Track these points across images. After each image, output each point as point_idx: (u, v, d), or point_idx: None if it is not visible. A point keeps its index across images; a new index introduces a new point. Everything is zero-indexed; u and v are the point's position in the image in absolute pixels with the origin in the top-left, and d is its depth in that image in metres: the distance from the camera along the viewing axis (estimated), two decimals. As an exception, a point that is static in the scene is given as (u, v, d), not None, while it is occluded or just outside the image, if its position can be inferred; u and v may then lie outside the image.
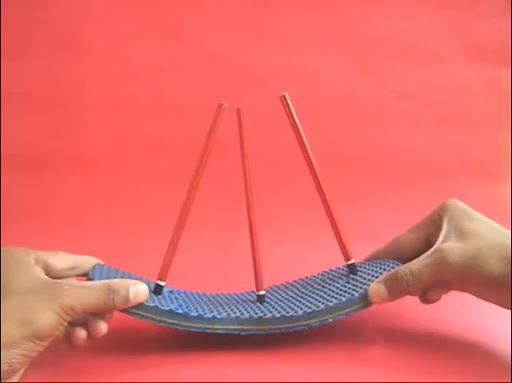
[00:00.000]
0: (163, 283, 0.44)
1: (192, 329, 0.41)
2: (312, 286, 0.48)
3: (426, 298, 0.43)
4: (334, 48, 0.92)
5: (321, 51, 0.91)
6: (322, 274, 0.51)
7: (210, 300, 0.47)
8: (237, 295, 0.49)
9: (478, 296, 0.42)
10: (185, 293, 0.48)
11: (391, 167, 0.86)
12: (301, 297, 0.46)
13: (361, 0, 0.93)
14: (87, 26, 0.85)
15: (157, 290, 0.44)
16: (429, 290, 0.42)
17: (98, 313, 0.38)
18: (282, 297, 0.47)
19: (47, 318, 0.33)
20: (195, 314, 0.41)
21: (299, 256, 0.63)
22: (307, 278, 0.51)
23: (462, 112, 0.92)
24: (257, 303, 0.46)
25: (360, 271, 0.47)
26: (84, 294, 0.35)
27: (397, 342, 0.43)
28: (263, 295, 0.46)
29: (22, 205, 0.71)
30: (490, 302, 0.41)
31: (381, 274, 0.44)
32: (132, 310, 0.39)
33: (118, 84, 0.84)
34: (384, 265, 0.46)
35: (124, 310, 0.39)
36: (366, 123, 0.90)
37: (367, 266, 0.48)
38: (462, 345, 0.42)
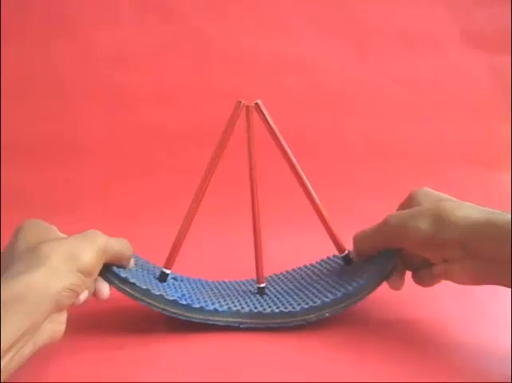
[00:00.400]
0: (168, 271, 0.45)
1: (193, 320, 0.42)
2: (310, 277, 0.49)
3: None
4: (333, 35, 0.91)
5: (321, 38, 0.90)
6: (320, 264, 0.51)
7: (212, 290, 0.47)
8: (238, 285, 0.50)
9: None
10: (188, 280, 0.49)
11: (390, 154, 0.86)
12: (299, 290, 0.46)
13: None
14: (83, 12, 0.84)
15: (162, 277, 0.45)
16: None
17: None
18: (281, 289, 0.48)
19: (90, 255, 0.36)
20: (198, 306, 0.42)
21: (299, 244, 0.63)
22: (305, 267, 0.52)
23: (461, 100, 0.92)
24: (257, 296, 0.47)
25: (357, 264, 0.47)
26: (112, 241, 0.40)
27: (392, 340, 0.42)
28: (263, 288, 0.47)
29: (21, 192, 0.71)
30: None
31: (375, 263, 0.44)
32: (139, 296, 0.40)
33: (115, 71, 0.84)
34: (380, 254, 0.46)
35: (130, 295, 0.40)
36: (365, 110, 0.90)
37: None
38: (462, 345, 0.42)
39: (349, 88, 0.89)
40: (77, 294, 0.36)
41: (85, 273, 0.36)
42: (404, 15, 0.94)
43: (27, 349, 0.32)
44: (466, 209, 0.40)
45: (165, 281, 0.45)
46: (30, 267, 0.34)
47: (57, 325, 0.35)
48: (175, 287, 0.45)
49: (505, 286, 0.38)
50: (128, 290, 0.40)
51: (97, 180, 0.77)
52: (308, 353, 0.41)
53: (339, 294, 0.43)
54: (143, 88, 0.84)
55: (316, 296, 0.44)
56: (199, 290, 0.47)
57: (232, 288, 0.48)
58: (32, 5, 0.82)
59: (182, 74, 0.85)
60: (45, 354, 0.36)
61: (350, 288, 0.43)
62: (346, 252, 0.47)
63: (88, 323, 0.43)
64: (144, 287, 0.41)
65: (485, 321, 0.45)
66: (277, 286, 0.49)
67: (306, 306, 0.43)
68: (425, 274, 0.43)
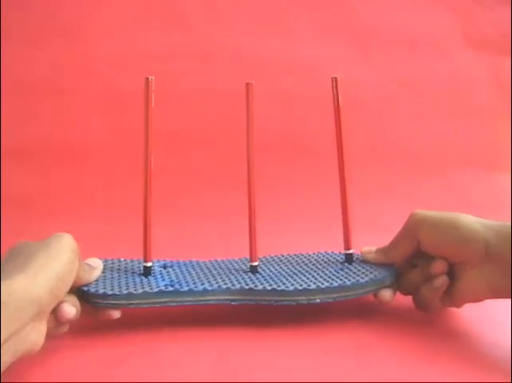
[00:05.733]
0: (149, 264, 0.45)
1: (186, 303, 0.42)
2: (306, 264, 0.49)
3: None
4: (336, 36, 0.91)
5: (323, 39, 0.90)
6: (318, 255, 0.52)
7: (202, 270, 0.47)
8: (230, 263, 0.50)
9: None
10: (178, 264, 0.49)
11: (391, 156, 0.85)
12: (294, 273, 0.46)
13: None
14: (87, 14, 0.84)
15: (146, 271, 0.45)
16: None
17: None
18: (275, 270, 0.48)
19: (62, 259, 0.36)
20: (186, 289, 0.42)
21: (296, 239, 0.63)
22: (302, 255, 0.52)
23: (463, 102, 0.92)
24: (250, 274, 0.46)
25: (355, 263, 0.48)
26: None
27: (394, 341, 0.43)
28: (256, 266, 0.47)
29: (22, 195, 0.71)
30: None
31: (376, 270, 0.45)
32: (125, 303, 0.41)
33: (116, 73, 0.84)
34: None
35: (116, 306, 0.41)
36: (368, 112, 0.89)
37: (362, 262, 0.49)
38: (462, 345, 0.42)
39: (352, 90, 0.89)
40: (58, 299, 0.36)
41: (63, 277, 0.36)
42: (407, 17, 0.94)
43: (8, 356, 0.32)
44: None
45: (149, 274, 0.45)
46: (10, 274, 0.34)
47: (37, 335, 0.34)
48: (162, 276, 0.45)
49: None
50: (113, 302, 0.40)
51: (98, 183, 0.77)
52: (313, 354, 0.41)
53: (335, 284, 0.43)
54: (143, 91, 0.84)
55: (310, 281, 0.44)
56: (189, 272, 0.47)
57: (224, 267, 0.49)
58: (32, 7, 0.82)
59: (184, 76, 0.85)
60: (46, 354, 0.36)
61: (348, 282, 0.43)
62: (351, 251, 0.48)
63: (89, 323, 0.43)
64: (126, 292, 0.41)
65: (485, 321, 0.45)
66: (271, 267, 0.49)
67: (300, 288, 0.43)
68: (426, 289, 0.43)
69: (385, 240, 0.48)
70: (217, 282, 0.44)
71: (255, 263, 0.47)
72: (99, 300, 0.40)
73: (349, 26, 0.92)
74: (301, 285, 0.43)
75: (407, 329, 0.44)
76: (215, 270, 0.47)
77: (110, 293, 0.40)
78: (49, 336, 0.36)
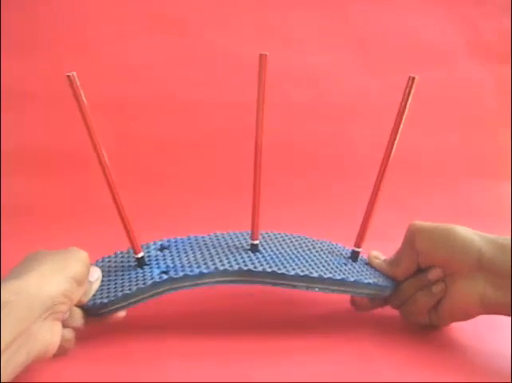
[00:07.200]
0: (140, 255, 0.44)
1: (184, 289, 0.41)
2: (309, 249, 0.48)
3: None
4: (341, 46, 0.91)
5: (328, 50, 0.90)
6: (322, 243, 0.50)
7: (200, 249, 0.45)
8: (231, 238, 0.48)
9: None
10: (175, 243, 0.47)
11: (393, 164, 0.85)
12: (296, 257, 0.45)
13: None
14: (90, 23, 0.83)
15: (139, 262, 0.44)
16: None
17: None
18: (277, 250, 0.46)
19: (80, 264, 0.37)
20: (181, 275, 0.41)
21: (301, 224, 0.63)
22: (306, 239, 0.50)
23: (469, 112, 0.92)
24: (249, 252, 0.45)
25: (359, 263, 0.48)
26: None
27: (398, 353, 0.43)
28: (257, 245, 0.45)
29: (24, 204, 0.71)
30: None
31: (380, 277, 0.45)
32: (125, 304, 0.40)
33: (120, 81, 0.84)
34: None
35: (117, 309, 0.40)
36: (371, 122, 0.89)
37: (366, 264, 0.48)
38: (462, 345, 0.42)
39: (357, 99, 0.89)
40: (71, 302, 0.36)
41: (78, 281, 0.37)
42: (412, 27, 0.93)
43: (21, 356, 0.32)
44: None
45: (144, 264, 0.44)
46: (22, 274, 0.34)
47: (51, 335, 0.34)
48: (157, 262, 0.44)
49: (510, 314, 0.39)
50: (112, 307, 0.40)
51: (100, 191, 0.77)
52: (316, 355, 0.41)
53: (337, 277, 0.43)
54: (149, 99, 0.85)
55: (313, 268, 0.43)
56: (186, 253, 0.45)
57: (223, 243, 0.47)
58: (37, 15, 0.81)
59: (189, 86, 0.86)
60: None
61: (351, 278, 0.43)
62: (360, 249, 0.47)
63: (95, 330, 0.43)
64: (121, 294, 0.40)
65: (485, 322, 0.45)
66: (272, 246, 0.47)
67: (301, 274, 0.42)
68: (422, 295, 0.43)
69: (384, 249, 0.48)
70: (214, 264, 0.42)
71: (256, 242, 0.45)
72: (99, 311, 0.40)
73: (353, 35, 0.91)
74: (302, 271, 0.42)
75: (411, 341, 0.45)
76: (214, 248, 0.45)
77: (106, 301, 0.40)
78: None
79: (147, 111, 0.84)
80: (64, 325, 0.37)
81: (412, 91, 0.42)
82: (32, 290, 0.33)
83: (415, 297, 0.44)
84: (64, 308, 0.36)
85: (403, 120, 0.43)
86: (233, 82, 0.85)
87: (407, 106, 0.43)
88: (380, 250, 0.49)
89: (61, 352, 0.37)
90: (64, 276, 0.35)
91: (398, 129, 0.44)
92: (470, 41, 0.94)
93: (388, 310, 0.47)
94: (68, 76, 0.39)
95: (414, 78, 0.42)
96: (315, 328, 0.46)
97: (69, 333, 0.38)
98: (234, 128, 0.81)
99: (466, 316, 0.42)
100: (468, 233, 0.41)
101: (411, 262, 0.44)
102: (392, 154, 0.45)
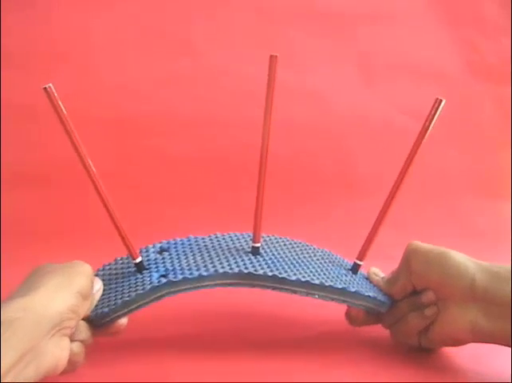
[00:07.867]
0: (138, 260, 0.43)
1: (184, 292, 0.41)
2: (310, 256, 0.47)
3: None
4: (341, 65, 0.92)
5: (328, 68, 0.91)
6: (323, 252, 0.50)
7: (200, 251, 0.45)
8: (232, 239, 0.47)
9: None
10: (175, 245, 0.46)
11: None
12: (297, 262, 0.45)
13: (369, 18, 0.93)
14: (91, 39, 0.84)
15: (138, 267, 0.43)
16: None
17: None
18: (278, 254, 0.45)
19: (84, 278, 0.37)
20: (180, 278, 0.40)
21: (303, 231, 0.62)
22: (308, 245, 0.50)
23: (469, 133, 0.92)
24: (250, 255, 0.44)
25: (359, 276, 0.48)
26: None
27: (398, 373, 0.43)
28: (258, 248, 0.45)
29: (24, 217, 0.71)
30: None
31: (379, 293, 0.45)
32: (126, 311, 0.40)
33: (122, 99, 0.84)
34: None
35: (120, 316, 0.40)
36: (372, 140, 0.90)
37: (366, 279, 0.49)
38: (461, 368, 0.42)
39: (356, 117, 0.90)
40: (78, 317, 0.36)
41: (83, 295, 0.37)
42: (412, 46, 0.95)
43: (30, 373, 0.31)
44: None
45: (142, 269, 0.43)
46: (28, 290, 0.34)
47: (60, 350, 0.34)
48: (157, 266, 0.43)
49: (501, 343, 0.39)
50: (113, 315, 0.40)
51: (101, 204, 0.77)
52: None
53: (338, 286, 0.42)
54: (149, 117, 0.85)
55: (314, 275, 0.43)
56: (186, 255, 0.44)
57: (224, 245, 0.46)
58: (36, 30, 0.82)
59: (191, 103, 0.86)
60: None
61: (352, 289, 0.43)
62: (362, 263, 0.47)
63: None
64: (120, 301, 0.40)
65: (484, 355, 0.45)
66: (273, 249, 0.46)
67: (303, 279, 0.41)
68: (415, 316, 0.43)
69: (383, 267, 0.48)
70: (214, 266, 0.41)
71: (257, 245, 0.44)
72: (102, 320, 0.40)
73: (355, 54, 0.93)
74: (304, 276, 0.42)
75: (411, 362, 0.44)
76: (214, 250, 0.45)
77: (107, 310, 0.40)
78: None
79: (149, 127, 0.84)
80: (72, 340, 0.37)
81: (438, 113, 0.43)
82: (39, 307, 0.33)
83: (408, 317, 0.44)
84: (72, 323, 0.36)
85: (425, 138, 0.44)
86: (234, 100, 0.85)
87: (430, 127, 0.43)
88: (379, 267, 0.49)
89: (71, 367, 0.37)
90: (70, 291, 0.36)
91: (418, 148, 0.44)
92: (470, 61, 0.95)
93: (387, 332, 0.47)
94: (45, 88, 0.37)
95: (441, 101, 0.41)
96: (313, 348, 0.45)
97: (78, 347, 0.37)
98: (236, 144, 0.82)
99: (456, 342, 0.43)
100: (462, 259, 0.42)
101: (407, 281, 0.44)
102: (410, 171, 0.45)
